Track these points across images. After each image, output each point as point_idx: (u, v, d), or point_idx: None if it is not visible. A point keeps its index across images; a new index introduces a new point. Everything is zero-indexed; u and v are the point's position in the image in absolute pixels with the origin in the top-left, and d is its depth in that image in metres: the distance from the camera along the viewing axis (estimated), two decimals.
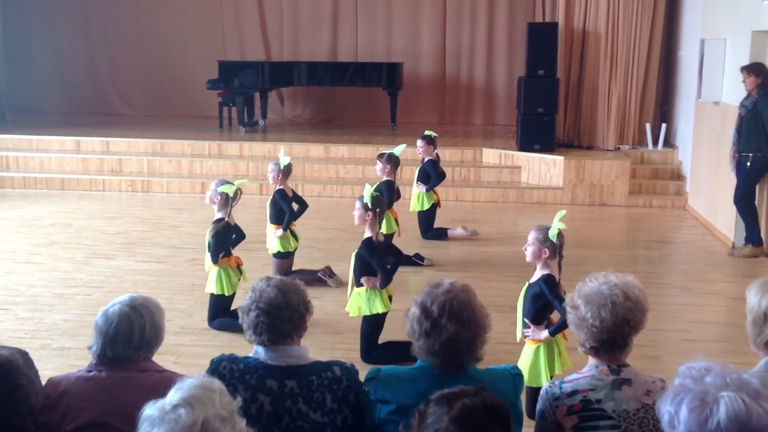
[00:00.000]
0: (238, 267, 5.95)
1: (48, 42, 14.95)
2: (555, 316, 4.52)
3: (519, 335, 4.54)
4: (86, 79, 15.06)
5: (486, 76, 14.26)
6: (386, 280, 5.20)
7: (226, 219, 5.90)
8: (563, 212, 4.65)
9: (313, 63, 13.14)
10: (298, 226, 7.07)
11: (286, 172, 6.88)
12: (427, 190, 8.09)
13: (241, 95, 12.62)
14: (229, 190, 5.85)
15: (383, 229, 7.19)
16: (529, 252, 4.49)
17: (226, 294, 5.82)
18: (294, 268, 6.95)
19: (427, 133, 8.39)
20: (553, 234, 4.43)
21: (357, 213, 5.35)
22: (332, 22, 14.46)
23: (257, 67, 12.76)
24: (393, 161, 7.53)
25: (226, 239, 5.90)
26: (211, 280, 5.86)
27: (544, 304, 4.41)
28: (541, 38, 10.83)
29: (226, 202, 5.87)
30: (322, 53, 14.38)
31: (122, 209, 9.89)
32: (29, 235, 8.51)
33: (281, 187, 6.83)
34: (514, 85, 12.62)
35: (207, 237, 5.85)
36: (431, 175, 8.13)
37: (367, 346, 5.27)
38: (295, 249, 6.94)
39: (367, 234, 5.31)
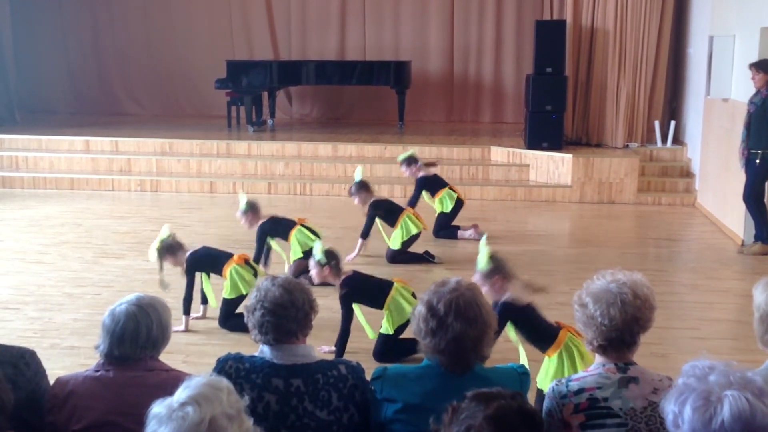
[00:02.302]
0: (246, 262, 5.91)
1: (57, 42, 15.00)
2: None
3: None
4: (95, 79, 15.11)
5: (494, 74, 14.24)
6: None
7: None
8: (484, 236, 4.64)
9: (321, 62, 13.14)
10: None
11: (254, 210, 6.81)
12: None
13: (249, 94, 12.63)
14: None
15: (408, 232, 7.30)
16: (490, 294, 4.27)
17: (244, 293, 5.76)
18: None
19: (400, 157, 8.54)
20: (483, 263, 4.30)
21: (313, 271, 5.23)
22: (340, 21, 14.46)
23: (265, 66, 12.77)
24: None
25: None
26: (227, 286, 5.84)
27: (525, 326, 4.24)
28: (549, 36, 10.81)
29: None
30: (330, 52, 14.38)
31: (131, 209, 9.91)
32: (39, 234, 8.54)
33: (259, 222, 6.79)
34: (522, 82, 12.60)
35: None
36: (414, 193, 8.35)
37: (382, 348, 5.27)
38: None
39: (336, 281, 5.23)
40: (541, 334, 4.25)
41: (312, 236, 6.82)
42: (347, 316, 5.17)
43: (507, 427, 2.02)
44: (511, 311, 4.21)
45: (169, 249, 5.75)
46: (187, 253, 5.81)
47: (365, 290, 5.26)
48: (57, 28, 14.96)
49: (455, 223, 8.47)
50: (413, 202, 8.20)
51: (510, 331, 4.36)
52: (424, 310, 2.70)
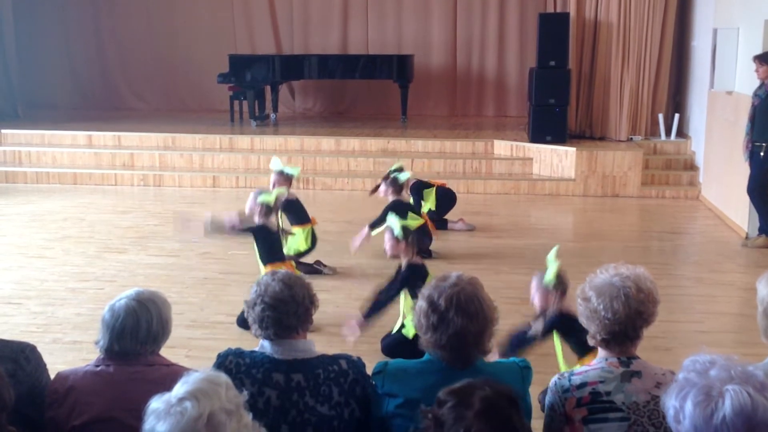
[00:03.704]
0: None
1: (59, 37, 15.01)
2: None
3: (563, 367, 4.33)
4: (97, 73, 15.12)
5: (497, 68, 14.22)
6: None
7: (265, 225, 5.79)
8: (556, 247, 4.43)
9: (323, 56, 13.12)
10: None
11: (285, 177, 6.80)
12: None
13: (251, 89, 12.62)
14: (269, 199, 5.79)
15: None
16: (536, 301, 4.29)
17: None
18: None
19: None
20: (549, 280, 4.26)
21: (388, 245, 5.22)
22: (342, 15, 14.44)
23: (268, 60, 12.75)
24: (396, 185, 7.15)
25: (268, 243, 5.78)
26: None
27: (573, 336, 4.18)
28: (553, 29, 10.77)
29: (268, 212, 5.78)
30: (333, 46, 14.37)
31: (134, 203, 9.91)
32: (41, 229, 8.54)
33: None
34: (525, 76, 12.57)
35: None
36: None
37: (394, 342, 5.24)
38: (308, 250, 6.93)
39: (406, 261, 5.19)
40: (585, 343, 4.26)
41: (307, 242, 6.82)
42: (393, 295, 5.14)
43: (500, 415, 2.00)
44: (566, 322, 4.19)
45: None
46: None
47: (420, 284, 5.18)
48: (59, 23, 14.97)
49: (447, 217, 8.48)
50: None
51: (556, 339, 4.35)
52: (425, 305, 2.69)
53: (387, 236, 5.23)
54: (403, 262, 5.19)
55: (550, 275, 4.26)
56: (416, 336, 5.03)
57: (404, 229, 5.20)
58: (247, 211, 5.84)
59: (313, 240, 6.97)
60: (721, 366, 1.87)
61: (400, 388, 2.69)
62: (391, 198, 7.16)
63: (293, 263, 6.09)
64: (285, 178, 6.80)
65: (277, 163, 6.87)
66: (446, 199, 8.33)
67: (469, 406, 1.99)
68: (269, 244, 5.73)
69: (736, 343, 5.45)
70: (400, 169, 7.32)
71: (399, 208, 6.72)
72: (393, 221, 5.25)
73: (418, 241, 5.32)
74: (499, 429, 1.97)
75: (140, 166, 11.29)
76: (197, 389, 2.01)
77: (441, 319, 2.64)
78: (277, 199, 5.87)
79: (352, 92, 14.53)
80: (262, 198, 5.76)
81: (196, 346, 5.38)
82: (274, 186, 6.74)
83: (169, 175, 10.97)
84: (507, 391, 2.06)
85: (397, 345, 5.19)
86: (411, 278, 5.05)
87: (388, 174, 7.26)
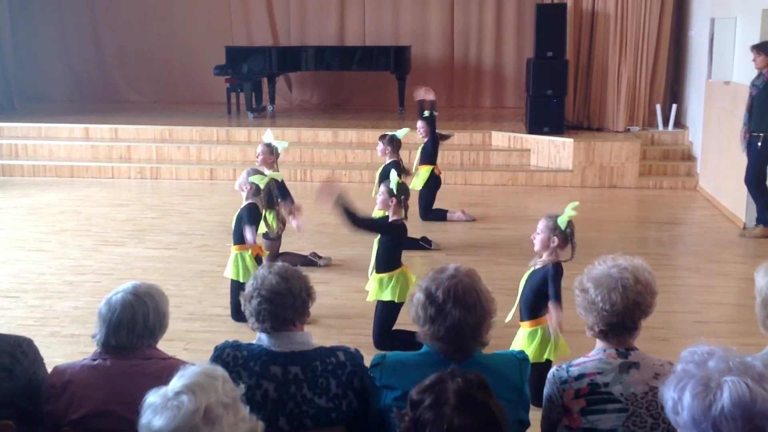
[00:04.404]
0: (257, 258, 5.74)
1: (56, 29, 14.94)
2: None
3: (509, 317, 4.56)
4: (94, 66, 15.07)
5: (494, 59, 14.19)
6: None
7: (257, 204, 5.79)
8: (576, 203, 4.57)
9: (320, 47, 13.08)
10: (306, 211, 7.05)
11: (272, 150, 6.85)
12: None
13: (248, 81, 12.59)
14: (260, 181, 5.78)
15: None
16: (537, 240, 4.46)
17: (242, 280, 5.56)
18: (283, 251, 6.86)
19: (426, 113, 8.49)
20: (563, 221, 4.39)
21: (380, 198, 5.38)
22: (339, 6, 14.40)
23: (265, 52, 12.72)
24: (394, 143, 7.60)
25: (254, 221, 5.72)
26: (229, 263, 5.75)
27: (545, 291, 4.37)
28: (550, 20, 10.75)
29: (257, 192, 5.77)
30: (330, 37, 14.33)
31: (131, 196, 9.90)
32: (39, 222, 8.53)
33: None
34: (522, 67, 12.55)
35: (234, 219, 5.76)
36: (433, 152, 8.36)
37: (380, 332, 5.25)
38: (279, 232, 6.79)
39: (393, 218, 5.33)
40: (544, 303, 4.38)
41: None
42: (371, 227, 5.43)
43: (477, 403, 2.00)
44: (559, 271, 4.37)
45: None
46: None
47: (402, 243, 5.39)
48: (55, 15, 14.90)
49: (443, 207, 8.51)
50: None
51: (521, 285, 4.54)
52: (423, 297, 2.68)
53: (382, 189, 5.39)
54: (391, 217, 5.34)
55: (564, 218, 4.39)
56: (392, 303, 5.15)
57: (400, 186, 5.34)
58: (236, 186, 5.90)
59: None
60: (720, 357, 1.86)
61: (398, 380, 2.69)
62: (389, 159, 7.58)
63: (261, 245, 6.05)
64: (270, 152, 6.77)
65: (268, 136, 6.86)
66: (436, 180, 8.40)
67: (444, 402, 1.99)
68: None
69: (733, 334, 5.46)
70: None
71: (398, 169, 7.29)
72: (393, 175, 5.50)
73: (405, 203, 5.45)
74: (479, 417, 1.98)
75: (137, 158, 11.27)
76: (194, 383, 2.00)
77: (439, 311, 2.64)
78: (268, 183, 5.85)
79: (349, 84, 14.50)
80: (254, 178, 5.78)
81: (194, 338, 5.38)
82: (258, 157, 6.79)
83: (167, 167, 10.95)
84: (476, 378, 2.06)
85: (389, 319, 5.21)
86: (391, 231, 5.29)
87: (385, 134, 7.71)
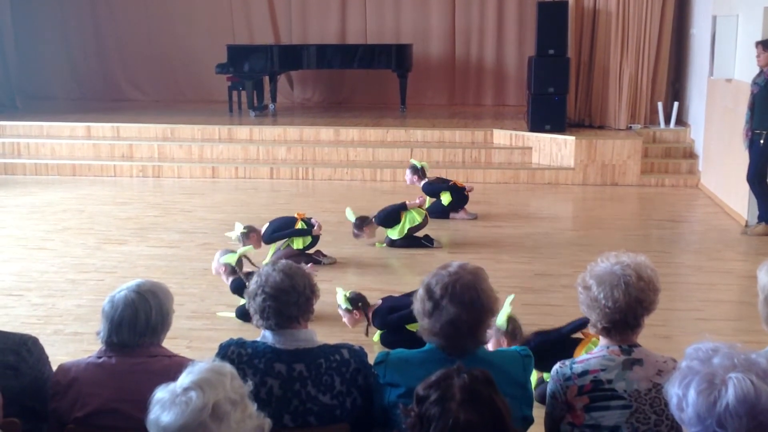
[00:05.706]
0: None
1: (57, 28, 14.96)
2: None
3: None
4: (96, 65, 15.08)
5: (496, 57, 14.19)
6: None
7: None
8: (512, 296, 4.46)
9: (322, 46, 13.09)
10: (307, 210, 7.07)
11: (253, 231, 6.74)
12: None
13: (250, 79, 12.59)
14: (232, 260, 5.71)
15: (413, 222, 7.28)
16: (490, 345, 4.22)
17: None
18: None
19: (413, 162, 8.71)
20: (502, 323, 4.30)
21: (345, 319, 5.29)
22: (341, 4, 14.40)
23: (266, 50, 12.72)
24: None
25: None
26: None
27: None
28: (551, 17, 10.74)
29: (233, 272, 5.72)
30: (331, 36, 14.33)
31: (133, 194, 9.91)
32: (41, 221, 8.54)
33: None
34: (524, 65, 12.53)
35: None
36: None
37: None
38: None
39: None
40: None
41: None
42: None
43: (483, 399, 2.01)
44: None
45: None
46: None
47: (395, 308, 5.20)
48: (57, 14, 14.91)
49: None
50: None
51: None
52: (422, 292, 2.70)
53: (341, 312, 5.29)
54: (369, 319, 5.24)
55: (503, 317, 4.30)
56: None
57: (351, 300, 5.25)
58: (213, 271, 5.87)
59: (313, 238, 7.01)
60: (724, 354, 1.87)
61: (401, 377, 2.69)
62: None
63: None
64: (250, 238, 6.66)
65: (238, 228, 6.68)
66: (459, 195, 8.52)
67: (450, 397, 2.00)
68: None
69: (735, 331, 5.46)
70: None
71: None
72: (340, 296, 5.31)
73: None
74: (484, 413, 1.99)
75: (139, 157, 11.27)
76: (202, 379, 2.01)
77: (435, 306, 2.65)
78: (240, 258, 5.75)
79: (350, 82, 14.50)
80: (225, 259, 5.73)
81: (197, 336, 5.38)
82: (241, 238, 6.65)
83: (168, 166, 10.96)
84: (481, 374, 2.07)
85: (391, 330, 5.19)
86: (384, 324, 5.15)
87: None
